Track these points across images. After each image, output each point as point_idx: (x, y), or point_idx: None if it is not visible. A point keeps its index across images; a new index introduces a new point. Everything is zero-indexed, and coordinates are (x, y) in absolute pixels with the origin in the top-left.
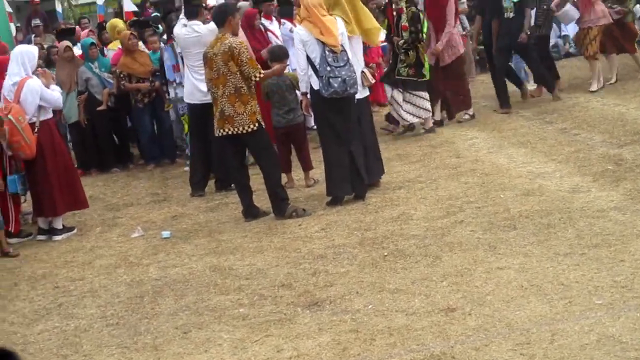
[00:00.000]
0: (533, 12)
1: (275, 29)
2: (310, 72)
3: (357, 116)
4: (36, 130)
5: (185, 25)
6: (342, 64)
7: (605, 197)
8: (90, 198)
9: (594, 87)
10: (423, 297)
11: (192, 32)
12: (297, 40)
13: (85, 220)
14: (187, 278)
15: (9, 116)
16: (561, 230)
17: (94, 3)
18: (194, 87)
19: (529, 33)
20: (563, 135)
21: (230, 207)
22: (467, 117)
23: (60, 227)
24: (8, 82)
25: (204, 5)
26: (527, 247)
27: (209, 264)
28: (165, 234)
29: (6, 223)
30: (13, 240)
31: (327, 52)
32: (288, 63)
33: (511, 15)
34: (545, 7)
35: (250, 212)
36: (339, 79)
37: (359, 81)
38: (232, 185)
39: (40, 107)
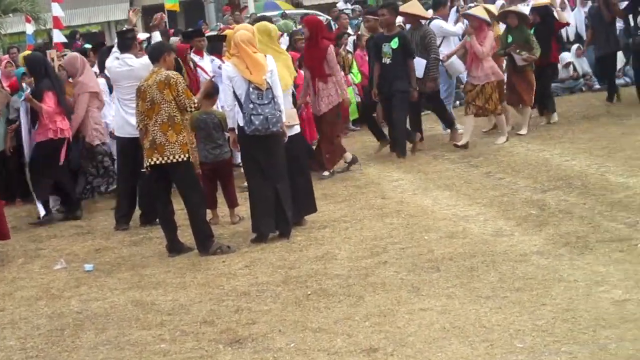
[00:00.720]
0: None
1: (205, 64)
2: (237, 108)
3: (290, 154)
4: None
5: (117, 58)
6: (266, 102)
7: (528, 242)
8: (13, 229)
9: (501, 140)
10: (345, 336)
11: (124, 65)
12: (224, 76)
13: (7, 251)
14: (108, 312)
15: None
16: (484, 273)
17: (24, 33)
18: (124, 120)
19: (417, 88)
20: (488, 179)
21: (155, 242)
22: (326, 174)
23: None
24: None
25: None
26: (450, 289)
27: (131, 299)
28: (88, 267)
29: None
30: None
31: (251, 89)
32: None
33: (388, 61)
34: (433, 56)
35: (175, 247)
36: (261, 117)
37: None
38: (157, 219)
39: None
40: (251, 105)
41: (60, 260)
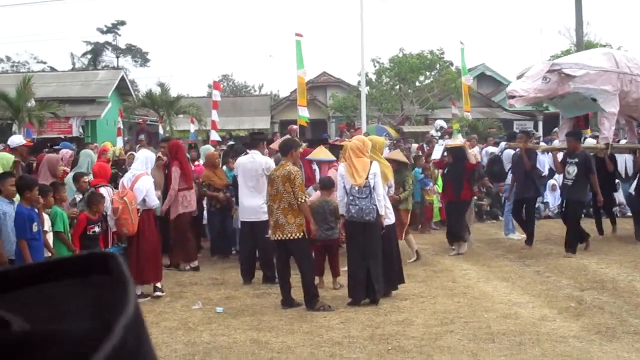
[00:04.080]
0: None
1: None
2: (346, 199)
3: (385, 238)
4: (139, 214)
5: (247, 153)
6: (364, 196)
7: (567, 327)
8: (165, 275)
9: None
10: None
11: (250, 159)
12: (338, 173)
13: None
14: (231, 345)
15: (124, 198)
16: (530, 348)
17: (188, 130)
18: (243, 205)
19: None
20: (537, 275)
21: (272, 296)
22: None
23: (139, 293)
24: (129, 173)
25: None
26: (501, 358)
27: (249, 337)
28: (219, 309)
29: None
30: None
31: (353, 185)
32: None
33: None
34: None
35: (288, 301)
36: (357, 207)
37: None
38: (276, 279)
39: (143, 200)
40: (351, 198)
41: (198, 302)
